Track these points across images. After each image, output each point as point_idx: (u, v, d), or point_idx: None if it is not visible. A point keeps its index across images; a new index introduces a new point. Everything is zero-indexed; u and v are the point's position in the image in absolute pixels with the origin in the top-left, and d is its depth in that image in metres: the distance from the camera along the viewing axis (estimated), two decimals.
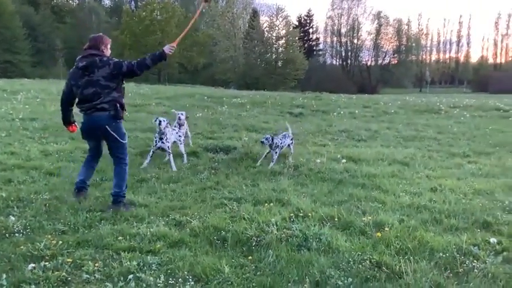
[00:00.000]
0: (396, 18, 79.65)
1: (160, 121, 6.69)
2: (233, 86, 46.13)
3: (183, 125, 7.79)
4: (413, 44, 71.26)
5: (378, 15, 69.07)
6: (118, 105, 4.68)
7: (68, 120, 5.07)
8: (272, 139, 7.04)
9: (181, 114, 7.81)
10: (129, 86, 21.78)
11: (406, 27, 72.98)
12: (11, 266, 3.32)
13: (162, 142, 6.75)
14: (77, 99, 4.77)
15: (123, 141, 4.82)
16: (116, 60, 4.72)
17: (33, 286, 3.01)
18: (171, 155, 6.80)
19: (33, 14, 50.55)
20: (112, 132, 4.70)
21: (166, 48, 4.85)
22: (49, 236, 3.86)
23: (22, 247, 3.62)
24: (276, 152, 7.05)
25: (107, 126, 4.66)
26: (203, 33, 53.99)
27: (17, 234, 3.91)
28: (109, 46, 4.84)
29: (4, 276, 3.12)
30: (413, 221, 4.45)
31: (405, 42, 70.51)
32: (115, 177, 4.85)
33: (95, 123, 4.69)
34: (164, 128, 6.72)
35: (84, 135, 4.95)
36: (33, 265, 3.30)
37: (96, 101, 4.60)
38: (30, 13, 50.05)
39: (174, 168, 6.59)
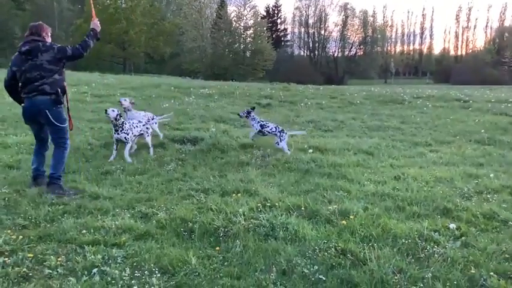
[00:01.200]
0: (362, 9, 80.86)
1: (106, 110, 6.43)
2: (201, 76, 45.68)
3: (130, 110, 7.51)
4: (379, 36, 72.65)
5: (345, 7, 69.96)
6: (59, 89, 4.84)
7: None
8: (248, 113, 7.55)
9: (124, 100, 7.56)
10: (93, 76, 21.23)
11: (372, 18, 74.30)
12: None
13: (118, 133, 6.46)
14: (20, 84, 4.85)
15: (62, 126, 4.96)
16: (60, 45, 4.96)
17: None
18: (128, 145, 6.53)
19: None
20: (51, 118, 4.83)
21: (94, 25, 5.20)
22: (8, 231, 3.73)
23: None
24: None
25: (47, 111, 4.80)
26: (170, 22, 53.08)
27: None
28: (49, 34, 5.06)
29: None
30: (377, 209, 4.56)
31: (371, 33, 71.75)
32: (52, 159, 4.98)
33: (36, 107, 4.83)
34: (117, 119, 6.41)
35: (26, 120, 5.07)
36: None
37: (38, 82, 4.74)
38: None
39: (129, 160, 6.35)
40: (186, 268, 3.22)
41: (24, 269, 3.12)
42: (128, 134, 6.52)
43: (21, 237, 3.61)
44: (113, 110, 6.45)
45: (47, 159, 5.22)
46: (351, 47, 72.02)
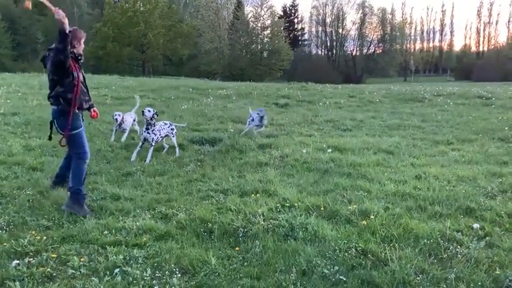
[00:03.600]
0: (380, 7, 79.83)
1: (143, 111, 6.70)
2: (218, 77, 45.85)
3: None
4: (398, 33, 71.64)
5: (362, 5, 69.16)
6: (62, 100, 4.51)
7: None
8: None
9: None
10: (113, 79, 21.54)
11: (390, 16, 73.27)
12: None
13: (148, 132, 6.68)
14: None
15: (71, 133, 4.61)
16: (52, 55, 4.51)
17: (17, 283, 2.98)
18: (151, 147, 6.71)
19: (13, 7, 49.32)
20: (56, 126, 4.65)
21: (58, 20, 4.24)
22: (33, 232, 3.81)
23: (5, 244, 3.57)
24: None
25: (55, 120, 4.65)
26: (187, 24, 53.43)
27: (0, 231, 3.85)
28: (83, 41, 4.69)
29: None
30: (398, 209, 4.51)
31: (389, 31, 70.83)
32: (71, 170, 4.71)
33: (51, 115, 4.71)
34: (152, 119, 6.67)
35: None
36: (17, 261, 3.27)
37: (48, 93, 4.64)
38: (10, 5, 48.82)
39: (133, 160, 6.50)
40: (206, 268, 3.25)
41: (49, 269, 3.19)
42: (155, 135, 6.74)
43: (45, 238, 3.70)
44: (149, 110, 6.71)
45: None
46: (369, 45, 71.21)
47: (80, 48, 4.69)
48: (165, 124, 7.14)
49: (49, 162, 6.20)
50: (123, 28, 47.13)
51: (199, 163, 6.51)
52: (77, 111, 4.64)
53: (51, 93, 4.58)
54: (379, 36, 70.45)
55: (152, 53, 49.92)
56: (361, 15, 69.40)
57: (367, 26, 70.02)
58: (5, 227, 3.93)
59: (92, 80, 17.59)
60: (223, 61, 53.65)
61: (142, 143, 6.77)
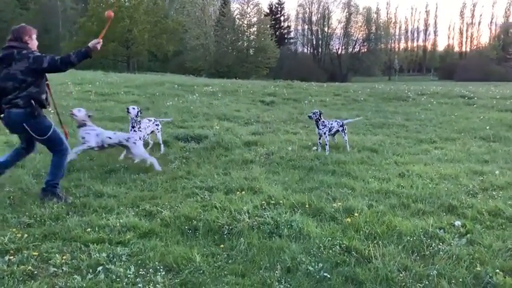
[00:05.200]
0: (365, 6, 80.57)
1: (127, 108, 6.62)
2: (204, 74, 45.65)
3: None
4: (382, 33, 72.36)
5: (348, 4, 69.68)
6: (33, 101, 4.39)
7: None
8: (320, 114, 7.27)
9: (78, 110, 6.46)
10: (97, 74, 21.26)
11: (375, 15, 74.01)
12: None
13: (135, 131, 6.55)
14: None
15: (43, 138, 4.55)
16: (38, 54, 4.46)
17: None
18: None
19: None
20: (29, 130, 4.47)
21: (92, 44, 4.58)
22: (14, 230, 3.73)
23: None
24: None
25: (24, 124, 4.43)
26: (173, 20, 53.02)
27: None
28: (34, 37, 4.58)
29: None
30: (381, 206, 4.55)
31: (374, 30, 71.49)
32: (50, 165, 4.70)
33: (11, 120, 4.47)
34: (137, 116, 6.54)
35: (8, 130, 4.76)
36: None
37: (11, 95, 4.36)
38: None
39: (122, 157, 6.43)
40: (191, 266, 3.23)
41: (30, 267, 3.12)
42: (142, 132, 6.62)
43: (26, 235, 3.63)
44: (134, 108, 6.60)
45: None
46: (355, 44, 71.78)
47: (33, 44, 4.56)
48: (149, 121, 7.07)
49: (31, 159, 6.07)
50: (107, 23, 46.47)
51: (184, 160, 6.48)
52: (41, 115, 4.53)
53: (20, 94, 4.35)
54: (364, 35, 71.07)
55: (137, 48, 49.37)
56: (347, 14, 69.97)
57: (353, 25, 70.59)
58: None
59: (76, 75, 17.34)
60: (209, 58, 53.48)
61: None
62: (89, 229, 3.79)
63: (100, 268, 3.13)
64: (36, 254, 3.32)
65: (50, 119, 4.76)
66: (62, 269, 3.13)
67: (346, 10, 70.03)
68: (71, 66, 4.52)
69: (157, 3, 52.33)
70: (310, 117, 7.37)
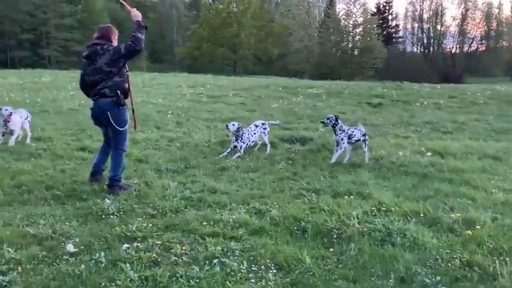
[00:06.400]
0: (485, 1, 73.54)
1: (227, 125, 6.97)
2: (306, 76, 45.63)
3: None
4: (505, 29, 65.37)
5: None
6: (119, 91, 4.85)
7: None
8: (336, 119, 6.49)
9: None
10: (207, 78, 22.50)
11: (497, 10, 67.12)
12: (108, 245, 3.59)
13: (237, 142, 6.89)
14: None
15: (121, 129, 4.97)
16: (114, 46, 4.91)
17: (127, 265, 3.22)
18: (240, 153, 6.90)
19: (119, 10, 53.78)
20: (111, 120, 4.89)
21: (134, 16, 4.91)
22: (140, 219, 4.12)
23: (117, 228, 3.90)
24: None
25: (108, 113, 4.86)
26: (278, 23, 53.96)
27: (111, 216, 4.23)
28: (116, 34, 5.08)
29: (103, 254, 3.39)
30: (508, 220, 4.13)
31: (495, 27, 64.93)
32: (111, 161, 5.09)
33: (99, 109, 4.94)
34: (238, 131, 6.85)
35: (93, 121, 5.23)
36: (127, 245, 3.54)
37: (99, 85, 4.84)
38: (117, 9, 53.32)
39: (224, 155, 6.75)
40: (301, 266, 3.25)
41: (154, 255, 3.41)
42: (244, 143, 6.93)
43: (150, 225, 3.98)
44: (233, 125, 6.92)
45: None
46: (471, 42, 65.88)
47: (115, 40, 5.04)
48: (256, 126, 7.29)
49: (152, 155, 6.67)
50: (217, 29, 48.99)
51: (290, 161, 6.55)
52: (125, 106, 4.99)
53: (107, 84, 4.83)
54: (482, 33, 64.91)
55: (243, 52, 51.23)
56: (463, 10, 64.48)
57: (469, 21, 64.85)
58: (116, 213, 4.30)
59: (189, 79, 18.58)
60: (313, 60, 53.29)
61: (232, 149, 6.96)
62: (205, 223, 4.02)
63: (216, 261, 3.30)
64: (160, 242, 3.62)
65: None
66: (182, 259, 3.37)
67: (462, 6, 64.65)
68: (141, 41, 4.83)
69: (263, 8, 53.71)
70: (324, 123, 6.55)
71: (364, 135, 6.66)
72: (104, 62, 4.79)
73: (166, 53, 55.70)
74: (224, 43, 49.87)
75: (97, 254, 3.37)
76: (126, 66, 5.02)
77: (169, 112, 10.69)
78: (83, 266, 3.21)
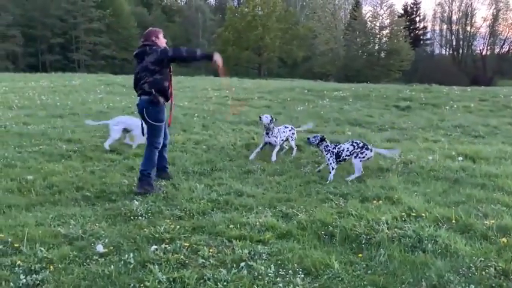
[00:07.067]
0: None
1: (260, 117, 6.95)
2: (332, 78, 45.25)
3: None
4: None
5: (496, 0, 62.43)
6: (157, 88, 5.10)
7: None
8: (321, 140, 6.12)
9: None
10: (233, 81, 22.59)
11: None
12: (137, 247, 3.64)
13: (269, 137, 6.87)
14: None
15: (155, 124, 5.21)
16: (163, 47, 5.25)
17: (156, 266, 3.26)
18: (277, 147, 6.92)
19: (146, 15, 54.80)
20: (146, 116, 5.18)
21: (217, 57, 5.27)
22: (168, 221, 4.16)
23: (145, 229, 3.96)
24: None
25: (144, 109, 5.16)
26: (303, 26, 53.76)
27: (140, 218, 4.29)
28: (161, 36, 5.34)
29: (131, 255, 3.43)
30: None
31: None
32: (144, 155, 5.32)
33: (139, 105, 5.26)
34: (270, 124, 6.82)
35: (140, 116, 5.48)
36: (156, 247, 3.59)
37: (143, 80, 5.14)
38: (144, 13, 54.36)
39: (274, 159, 6.70)
40: (329, 272, 3.21)
41: (182, 257, 3.43)
42: (277, 138, 6.90)
43: (178, 227, 4.01)
44: (266, 117, 6.90)
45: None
46: (503, 44, 63.87)
47: (159, 42, 5.31)
48: (286, 127, 7.26)
49: (179, 157, 6.72)
50: (242, 32, 49.19)
51: (316, 165, 6.49)
52: (165, 103, 5.25)
53: (148, 80, 5.09)
54: None
55: (268, 55, 51.25)
56: (494, 10, 62.68)
57: (501, 22, 62.98)
58: (144, 215, 4.35)
59: (215, 81, 18.71)
60: (338, 62, 52.84)
61: (263, 146, 6.97)
62: (232, 225, 4.03)
63: (243, 264, 3.30)
64: (187, 244, 3.64)
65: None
66: (209, 261, 3.38)
67: (493, 7, 62.85)
68: (178, 53, 5.23)
69: (288, 11, 53.62)
70: (309, 141, 6.22)
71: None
72: (150, 61, 5.12)
73: None
74: (249, 46, 49.97)
75: (126, 255, 3.42)
76: (171, 67, 5.32)
77: (195, 115, 10.77)
78: (112, 266, 3.26)
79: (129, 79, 21.07)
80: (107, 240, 3.75)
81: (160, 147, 5.39)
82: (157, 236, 3.83)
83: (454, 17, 65.12)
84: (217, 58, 5.27)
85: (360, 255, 3.51)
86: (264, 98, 14.80)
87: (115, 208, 4.56)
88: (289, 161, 6.78)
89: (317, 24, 53.72)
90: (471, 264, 3.29)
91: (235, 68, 49.17)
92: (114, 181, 5.48)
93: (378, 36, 55.85)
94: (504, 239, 3.69)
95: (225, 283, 3.06)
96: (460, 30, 65.11)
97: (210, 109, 11.93)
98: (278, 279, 3.12)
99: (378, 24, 55.33)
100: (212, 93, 15.53)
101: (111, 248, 3.61)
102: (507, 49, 63.86)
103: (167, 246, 3.62)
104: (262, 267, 3.24)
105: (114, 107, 12.07)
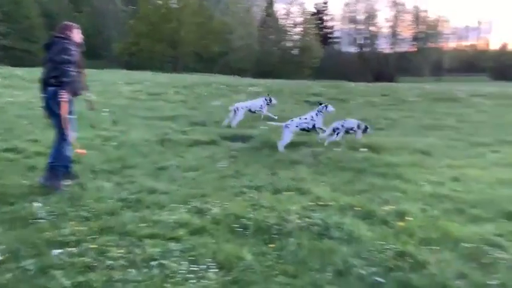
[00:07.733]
0: (414, 5, 77.84)
1: (326, 106, 7.85)
2: (249, 74, 45.81)
3: None
4: (432, 31, 69.77)
5: (396, 2, 67.66)
6: (64, 80, 4.83)
7: None
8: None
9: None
10: (146, 74, 21.90)
11: (425, 13, 71.40)
12: (38, 252, 3.38)
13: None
14: None
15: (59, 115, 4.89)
16: (67, 47, 4.91)
17: (59, 271, 3.06)
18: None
19: (52, 3, 50.85)
20: (52, 108, 4.90)
21: (64, 114, 4.85)
22: (73, 223, 3.92)
23: (47, 233, 3.68)
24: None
25: (50, 101, 4.90)
26: (218, 21, 53.65)
27: (41, 221, 3.98)
28: (74, 31, 5.16)
29: (31, 261, 3.18)
30: (435, 211, 4.40)
31: (424, 29, 69.08)
32: (54, 147, 5.09)
33: (46, 97, 4.95)
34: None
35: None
36: (59, 251, 3.36)
37: (48, 75, 4.91)
38: (49, 2, 50.37)
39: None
40: (242, 264, 3.25)
41: (89, 259, 3.26)
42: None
43: (84, 228, 3.79)
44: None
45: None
46: (402, 44, 69.65)
47: (74, 36, 5.12)
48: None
49: (87, 155, 6.33)
50: (156, 24, 47.80)
51: (232, 159, 6.53)
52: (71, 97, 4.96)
53: (51, 74, 4.86)
54: (412, 34, 68.83)
55: (184, 49, 50.44)
56: (395, 12, 67.95)
57: (400, 23, 68.50)
58: (46, 217, 4.05)
59: (128, 75, 17.97)
60: (253, 58, 53.64)
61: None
62: (143, 224, 3.90)
63: (154, 263, 3.22)
64: (95, 246, 3.46)
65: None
66: (119, 262, 3.24)
67: (394, 8, 68.08)
68: (63, 76, 4.82)
69: (202, 4, 53.14)
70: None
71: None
72: (54, 52, 4.90)
73: (104, 48, 53.51)
74: (163, 39, 48.75)
75: (24, 262, 3.16)
76: (80, 59, 5.08)
77: (106, 110, 10.25)
78: (9, 274, 3.00)
79: (31, 72, 19.44)
80: (3, 246, 3.43)
81: (67, 142, 5.06)
82: (61, 239, 3.58)
83: (360, 18, 69.44)
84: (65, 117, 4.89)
85: (272, 245, 3.60)
86: (179, 93, 14.56)
87: (13, 211, 4.18)
88: (205, 156, 6.73)
89: (231, 19, 53.97)
90: (372, 248, 3.54)
91: (149, 62, 47.64)
92: (13, 182, 5.02)
93: (290, 33, 57.66)
94: (401, 223, 4.02)
95: (135, 284, 2.96)
96: (365, 30, 69.61)
97: (122, 104, 11.45)
98: (190, 275, 3.09)
99: (290, 21, 57.10)
100: (124, 87, 14.92)
101: (8, 255, 3.31)
102: (406, 48, 69.62)
103: (72, 249, 3.41)
104: (175, 265, 3.19)
105: (11, 102, 11.07)
